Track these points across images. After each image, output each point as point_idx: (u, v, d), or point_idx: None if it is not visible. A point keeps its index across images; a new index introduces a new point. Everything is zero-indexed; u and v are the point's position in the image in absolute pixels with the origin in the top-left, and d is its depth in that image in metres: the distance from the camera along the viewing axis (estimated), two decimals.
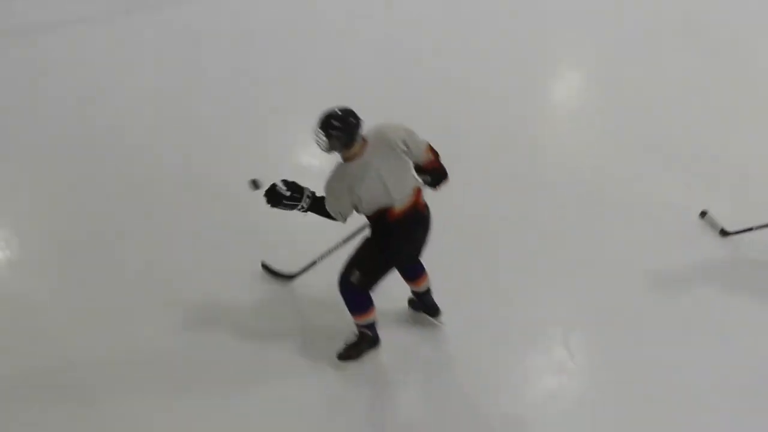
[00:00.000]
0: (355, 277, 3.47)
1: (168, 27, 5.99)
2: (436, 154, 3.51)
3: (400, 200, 3.38)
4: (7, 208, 4.54)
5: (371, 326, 3.68)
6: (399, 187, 3.36)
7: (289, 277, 4.08)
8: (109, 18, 5.93)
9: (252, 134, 5.03)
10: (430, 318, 3.91)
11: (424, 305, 3.88)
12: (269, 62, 5.72)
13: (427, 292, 3.85)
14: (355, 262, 3.49)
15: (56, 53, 5.65)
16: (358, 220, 3.54)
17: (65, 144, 4.94)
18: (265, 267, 4.10)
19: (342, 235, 3.84)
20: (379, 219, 3.38)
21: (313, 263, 3.99)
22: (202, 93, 5.40)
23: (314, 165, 4.48)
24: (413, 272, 3.74)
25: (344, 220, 3.41)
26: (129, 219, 4.45)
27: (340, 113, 3.25)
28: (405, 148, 3.35)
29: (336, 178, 3.30)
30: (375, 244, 3.46)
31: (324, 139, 3.23)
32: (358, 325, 3.66)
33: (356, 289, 3.51)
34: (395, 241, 3.44)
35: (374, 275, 3.51)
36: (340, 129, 3.22)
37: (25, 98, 5.29)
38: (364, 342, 3.70)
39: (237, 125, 5.12)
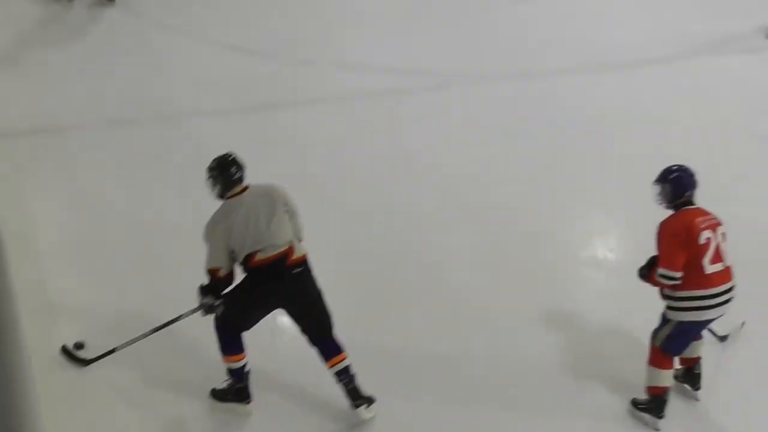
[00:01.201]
0: (219, 310, 3.67)
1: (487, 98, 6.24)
2: None
3: (264, 249, 3.59)
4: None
5: (239, 375, 3.73)
6: (266, 235, 3.61)
7: (84, 362, 3.99)
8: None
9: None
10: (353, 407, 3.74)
11: (344, 390, 3.72)
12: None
13: (345, 374, 3.70)
14: (225, 299, 3.70)
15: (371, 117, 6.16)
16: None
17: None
18: (65, 351, 4.04)
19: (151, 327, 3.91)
20: (244, 263, 3.62)
21: (112, 351, 3.94)
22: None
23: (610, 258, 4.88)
24: (321, 347, 3.72)
25: (225, 269, 3.65)
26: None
27: (221, 157, 3.73)
28: (285, 207, 3.70)
29: (213, 217, 3.65)
30: (237, 286, 3.70)
31: (207, 179, 3.70)
32: (226, 369, 3.76)
33: (218, 324, 3.70)
34: (249, 286, 3.64)
35: (231, 316, 3.68)
36: (216, 170, 3.68)
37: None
38: (230, 391, 3.77)
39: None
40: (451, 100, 6.09)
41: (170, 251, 4.56)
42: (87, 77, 6.39)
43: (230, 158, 3.70)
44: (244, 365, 3.70)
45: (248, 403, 3.74)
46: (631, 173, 5.13)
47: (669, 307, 3.57)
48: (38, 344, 3.88)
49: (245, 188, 3.68)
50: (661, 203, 3.66)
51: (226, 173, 3.66)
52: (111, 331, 4.01)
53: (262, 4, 7.37)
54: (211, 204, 3.71)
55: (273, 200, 3.68)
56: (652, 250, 3.72)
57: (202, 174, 3.68)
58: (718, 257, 3.51)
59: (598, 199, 5.33)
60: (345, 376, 3.66)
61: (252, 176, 3.91)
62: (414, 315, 4.38)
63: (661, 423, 3.70)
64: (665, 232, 3.55)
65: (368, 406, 3.64)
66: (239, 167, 3.68)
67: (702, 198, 3.76)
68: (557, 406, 3.84)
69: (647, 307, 3.80)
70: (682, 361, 3.77)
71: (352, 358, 3.71)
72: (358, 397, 3.65)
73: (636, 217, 4.73)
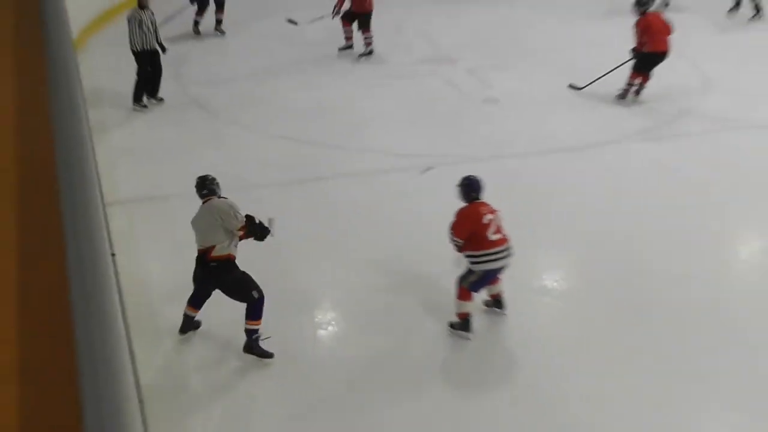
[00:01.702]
0: None
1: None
2: (246, 230, 5.19)
3: (199, 245, 5.07)
4: None
5: (186, 320, 5.41)
6: (199, 236, 5.07)
7: None
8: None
9: None
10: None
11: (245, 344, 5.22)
12: None
13: (247, 334, 5.19)
14: None
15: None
16: None
17: None
18: None
19: None
20: None
21: None
22: None
23: None
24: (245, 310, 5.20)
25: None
26: None
27: (199, 177, 5.30)
28: (219, 220, 4.98)
29: None
30: None
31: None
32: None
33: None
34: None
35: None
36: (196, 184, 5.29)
37: None
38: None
39: None
40: (441, 176, 7.18)
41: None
42: (180, 160, 7.73)
43: (200, 179, 5.22)
44: (193, 316, 5.31)
45: (181, 333, 5.31)
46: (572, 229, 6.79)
47: (472, 263, 5.34)
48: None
49: (208, 199, 5.11)
50: (461, 199, 5.38)
51: (197, 187, 5.21)
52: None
53: (302, 107, 9.08)
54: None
55: (212, 213, 5.00)
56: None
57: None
58: (497, 230, 5.27)
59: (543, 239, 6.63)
60: (248, 336, 5.12)
61: (297, 227, 5.90)
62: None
63: (471, 335, 5.49)
64: (460, 215, 5.33)
65: (261, 358, 5.15)
66: (204, 186, 5.18)
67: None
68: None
69: None
70: (492, 296, 5.68)
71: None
72: (252, 353, 5.16)
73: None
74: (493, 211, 5.38)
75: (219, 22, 11.31)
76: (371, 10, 10.25)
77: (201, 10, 11.20)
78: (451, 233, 5.39)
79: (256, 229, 5.27)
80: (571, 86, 9.57)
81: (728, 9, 12.25)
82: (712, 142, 8.48)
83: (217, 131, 8.63)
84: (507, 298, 5.77)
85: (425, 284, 6.13)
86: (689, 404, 5.09)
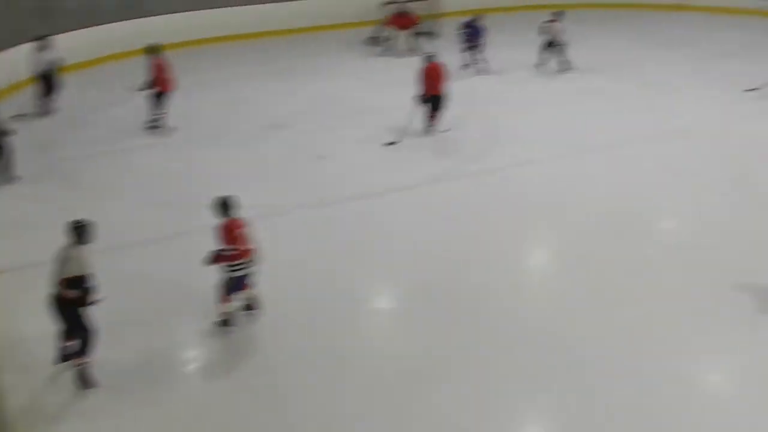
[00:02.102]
0: None
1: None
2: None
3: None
4: None
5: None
6: (55, 268, 6.09)
7: None
8: None
9: None
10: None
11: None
12: None
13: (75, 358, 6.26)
14: None
15: None
16: None
17: None
18: None
19: None
20: None
21: None
22: None
23: None
24: None
25: None
26: None
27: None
28: (71, 258, 6.05)
29: None
30: None
31: None
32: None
33: None
34: None
35: None
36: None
37: None
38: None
39: None
40: (278, 225, 8.55)
41: None
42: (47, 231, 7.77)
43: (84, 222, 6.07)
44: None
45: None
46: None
47: (228, 272, 6.57)
48: None
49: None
50: (218, 216, 6.50)
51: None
52: None
53: (158, 172, 10.28)
54: None
55: (66, 251, 6.04)
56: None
57: None
58: (246, 242, 6.38)
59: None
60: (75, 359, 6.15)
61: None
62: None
63: (235, 328, 6.84)
64: (224, 228, 6.43)
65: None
66: (70, 228, 5.99)
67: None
68: None
69: None
70: (248, 302, 6.94)
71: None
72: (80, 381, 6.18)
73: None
74: (244, 225, 6.56)
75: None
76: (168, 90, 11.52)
77: (46, 94, 12.46)
78: (224, 246, 6.47)
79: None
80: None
81: (535, 64, 14.66)
82: (504, 179, 10.35)
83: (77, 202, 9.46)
84: None
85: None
86: None
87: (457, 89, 11.93)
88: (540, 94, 13.80)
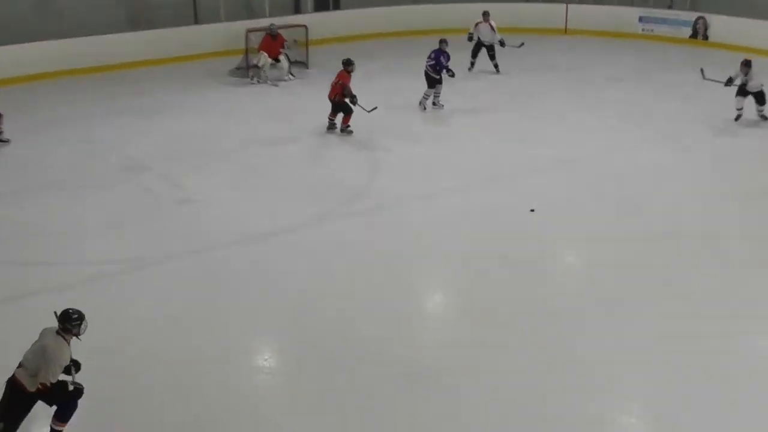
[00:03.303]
0: None
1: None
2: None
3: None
4: None
5: None
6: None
7: None
8: None
9: None
10: None
11: None
12: None
13: None
14: None
15: None
16: None
17: None
18: None
19: None
20: None
21: None
22: None
23: None
24: None
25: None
26: None
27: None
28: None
29: None
30: None
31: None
32: None
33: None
34: None
35: None
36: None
37: None
38: None
39: None
40: (132, 282, 8.47)
41: None
42: None
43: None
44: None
45: None
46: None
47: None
48: None
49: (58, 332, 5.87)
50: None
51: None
52: None
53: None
54: None
55: (40, 341, 5.87)
56: None
57: None
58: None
59: None
60: None
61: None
62: None
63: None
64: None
65: None
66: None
67: None
68: None
69: None
70: None
71: None
72: None
73: None
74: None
75: None
76: None
77: None
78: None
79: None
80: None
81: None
82: (389, 215, 10.24)
83: None
84: None
85: None
86: None
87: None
88: (428, 125, 13.83)
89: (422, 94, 14.27)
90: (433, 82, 14.12)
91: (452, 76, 14.04)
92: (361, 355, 7.33)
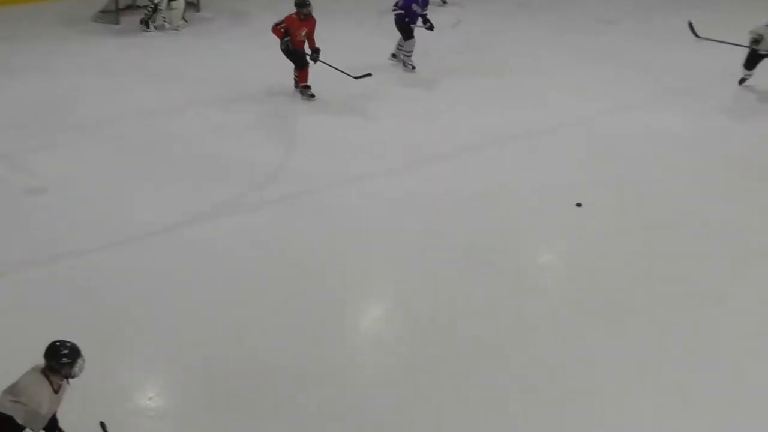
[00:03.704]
0: None
1: None
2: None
3: None
4: None
5: None
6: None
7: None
8: None
9: None
10: None
11: None
12: None
13: None
14: None
15: None
16: None
17: None
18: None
19: None
20: None
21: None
22: None
23: None
24: None
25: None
26: None
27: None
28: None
29: None
30: None
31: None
32: None
33: None
34: None
35: None
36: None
37: None
38: None
39: None
40: None
41: None
42: None
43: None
44: None
45: None
46: None
47: None
48: None
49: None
50: None
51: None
52: None
53: None
54: None
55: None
56: None
57: None
58: None
59: None
60: None
61: None
62: None
63: None
64: None
65: None
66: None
67: None
68: None
69: None
70: None
71: None
72: None
73: None
74: None
75: None
76: None
77: None
78: None
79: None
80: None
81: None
82: (309, 202, 10.25)
83: None
84: None
85: None
86: None
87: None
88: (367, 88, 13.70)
89: (397, 46, 14.22)
90: (407, 33, 14.00)
91: (430, 28, 13.93)
92: (277, 386, 7.31)
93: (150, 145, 11.44)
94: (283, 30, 12.56)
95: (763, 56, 13.15)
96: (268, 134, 12.02)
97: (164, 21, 15.81)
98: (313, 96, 12.89)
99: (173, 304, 8.35)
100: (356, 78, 12.94)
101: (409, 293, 8.76)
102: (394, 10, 13.94)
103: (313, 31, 12.70)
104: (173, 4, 15.79)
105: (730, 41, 13.03)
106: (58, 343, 5.96)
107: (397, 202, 10.28)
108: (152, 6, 15.71)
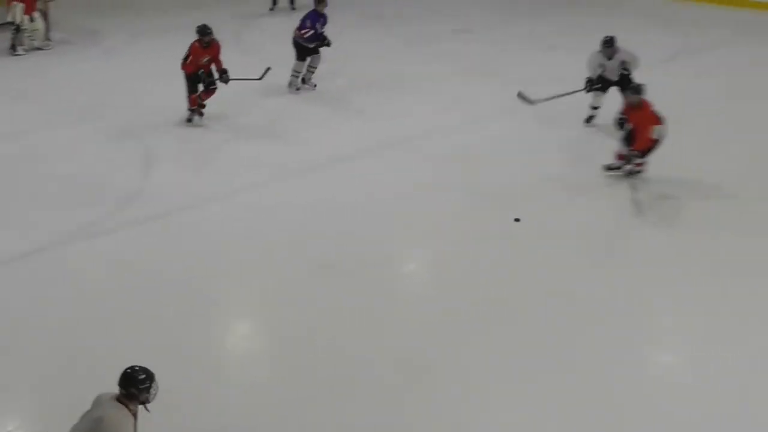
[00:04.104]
0: None
1: None
2: None
3: None
4: None
5: None
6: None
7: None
8: None
9: None
10: None
11: None
12: None
13: None
14: None
15: None
16: None
17: None
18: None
19: None
20: None
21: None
22: None
23: None
24: None
25: None
26: None
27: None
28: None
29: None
30: None
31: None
32: None
33: None
34: None
35: None
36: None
37: None
38: None
39: None
40: None
41: None
42: None
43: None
44: None
45: None
46: None
47: None
48: None
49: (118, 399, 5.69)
50: None
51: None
52: None
53: None
54: None
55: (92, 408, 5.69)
56: None
57: None
58: None
59: None
60: None
61: None
62: None
63: None
64: None
65: None
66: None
67: None
68: None
69: None
70: None
71: None
72: None
73: None
74: None
75: None
76: None
77: None
78: None
79: None
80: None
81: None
82: (171, 220, 10.16)
83: None
84: None
85: None
86: None
87: None
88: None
89: (308, 68, 14.09)
90: (305, 53, 13.91)
91: (328, 44, 13.86)
92: None
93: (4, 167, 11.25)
94: (191, 63, 12.37)
95: (605, 87, 12.48)
96: (126, 154, 11.84)
97: (32, 41, 15.61)
98: (202, 115, 12.79)
99: (30, 334, 8.16)
100: (261, 78, 12.96)
101: (272, 305, 8.79)
102: (304, 32, 13.72)
103: (219, 54, 12.54)
104: (34, 24, 15.60)
105: (567, 92, 12.55)
106: (132, 369, 5.83)
107: (262, 213, 10.30)
108: (14, 28, 15.48)
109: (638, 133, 10.64)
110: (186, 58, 12.33)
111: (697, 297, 8.72)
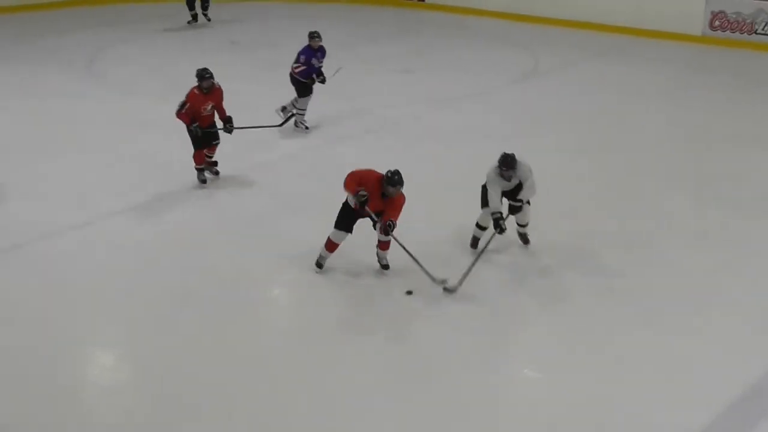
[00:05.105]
0: None
1: None
2: None
3: None
4: None
5: None
6: None
7: None
8: None
9: None
10: None
11: None
12: None
13: None
14: None
15: None
16: None
17: None
18: None
19: None
20: None
21: None
22: None
23: None
24: None
25: None
26: None
27: None
28: None
29: None
30: None
31: None
32: None
33: None
34: None
35: None
36: None
37: None
38: None
39: None
40: None
41: None
42: None
43: None
44: None
45: None
46: None
47: None
48: None
49: None
50: None
51: None
52: None
53: None
54: None
55: None
56: None
57: None
58: None
59: None
60: None
61: None
62: None
63: None
64: None
65: None
66: None
67: None
68: None
69: None
70: None
71: None
72: None
73: None
74: None
75: None
76: None
77: None
78: None
79: None
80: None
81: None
82: (27, 255, 9.91)
83: None
84: None
85: None
86: None
87: None
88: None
89: (294, 107, 13.57)
90: (306, 90, 13.41)
91: (323, 81, 13.36)
92: None
93: None
94: (187, 112, 11.08)
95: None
96: None
97: None
98: (217, 173, 11.90)
99: None
100: (281, 125, 13.13)
101: (131, 336, 8.65)
102: (295, 67, 13.26)
103: (221, 101, 11.35)
104: None
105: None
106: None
107: (110, 247, 10.10)
108: None
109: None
110: (182, 106, 11.04)
111: None
